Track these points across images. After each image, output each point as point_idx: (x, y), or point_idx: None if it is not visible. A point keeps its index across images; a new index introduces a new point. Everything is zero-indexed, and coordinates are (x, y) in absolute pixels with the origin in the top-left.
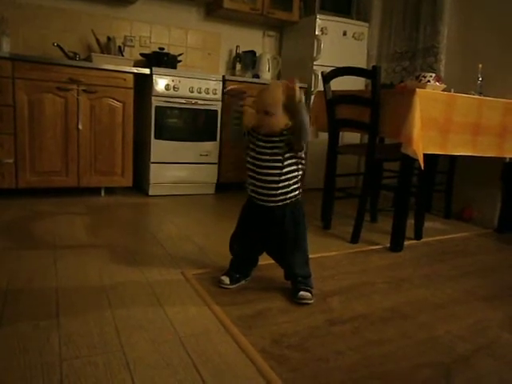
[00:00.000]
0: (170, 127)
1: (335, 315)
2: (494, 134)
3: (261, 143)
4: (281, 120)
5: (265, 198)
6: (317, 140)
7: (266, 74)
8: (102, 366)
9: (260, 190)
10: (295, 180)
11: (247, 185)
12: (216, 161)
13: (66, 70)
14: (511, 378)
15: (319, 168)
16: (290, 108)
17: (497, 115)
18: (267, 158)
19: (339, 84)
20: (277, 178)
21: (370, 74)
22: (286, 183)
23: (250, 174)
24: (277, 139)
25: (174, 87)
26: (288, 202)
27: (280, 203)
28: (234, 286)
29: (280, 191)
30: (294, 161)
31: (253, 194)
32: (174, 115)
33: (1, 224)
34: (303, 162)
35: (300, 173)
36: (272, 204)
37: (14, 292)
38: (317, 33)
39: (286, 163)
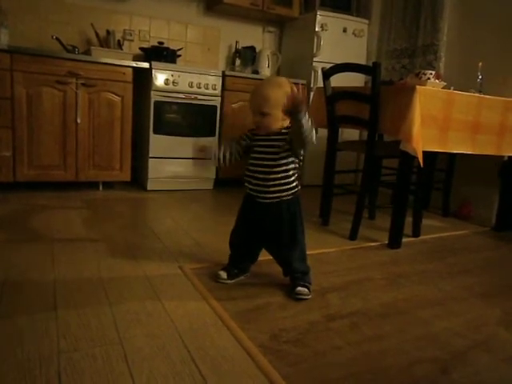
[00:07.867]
0: (169, 122)
1: (334, 311)
2: (492, 133)
3: (260, 143)
4: (278, 118)
5: (262, 195)
6: (316, 136)
7: (266, 70)
8: (100, 359)
9: (257, 188)
10: (293, 178)
11: (245, 183)
12: None
13: (64, 64)
14: (507, 374)
15: (318, 164)
16: (293, 116)
17: (496, 114)
18: (264, 156)
19: (339, 81)
20: (273, 176)
21: (369, 70)
22: (283, 181)
23: (247, 172)
24: (276, 137)
25: (173, 82)
26: (285, 198)
27: (277, 200)
28: (231, 281)
29: (277, 188)
30: (290, 159)
31: (250, 192)
32: (173, 110)
33: None
34: (301, 158)
35: (297, 171)
36: (269, 200)
37: (12, 285)
38: (317, 29)
39: (282, 162)
